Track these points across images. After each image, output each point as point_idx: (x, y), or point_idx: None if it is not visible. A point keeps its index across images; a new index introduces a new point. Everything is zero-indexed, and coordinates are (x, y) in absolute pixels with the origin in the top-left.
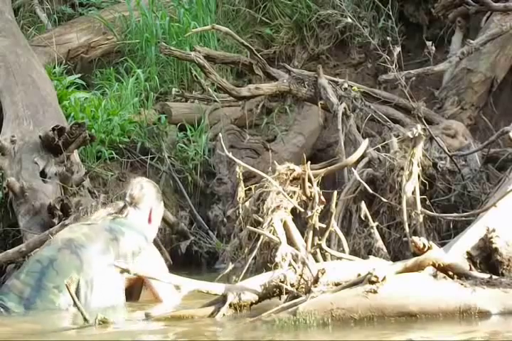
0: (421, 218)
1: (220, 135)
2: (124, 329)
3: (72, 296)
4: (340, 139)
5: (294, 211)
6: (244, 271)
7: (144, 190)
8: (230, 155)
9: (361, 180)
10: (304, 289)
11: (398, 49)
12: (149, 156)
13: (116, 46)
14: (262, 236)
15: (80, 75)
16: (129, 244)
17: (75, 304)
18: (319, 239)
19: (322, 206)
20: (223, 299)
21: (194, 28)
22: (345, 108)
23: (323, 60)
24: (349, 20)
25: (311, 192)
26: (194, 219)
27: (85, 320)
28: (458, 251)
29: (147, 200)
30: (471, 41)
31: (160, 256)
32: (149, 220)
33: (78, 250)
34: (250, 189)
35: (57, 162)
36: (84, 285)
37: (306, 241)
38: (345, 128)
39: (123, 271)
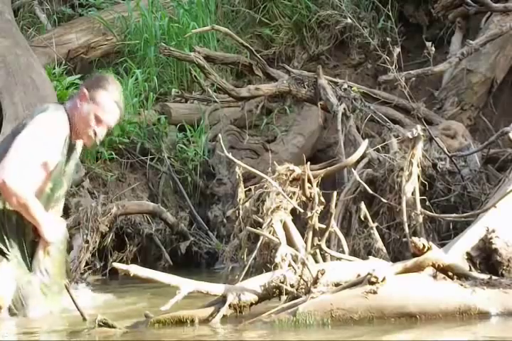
0: (421, 219)
1: (220, 135)
2: (123, 330)
3: (71, 296)
4: (339, 140)
5: (293, 211)
6: (243, 272)
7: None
8: (230, 155)
9: (361, 181)
10: (303, 290)
11: (398, 49)
12: (149, 157)
13: (116, 47)
14: (261, 237)
15: (79, 76)
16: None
17: (75, 305)
18: (319, 240)
19: (322, 206)
20: (223, 300)
21: (194, 29)
22: (344, 108)
23: (323, 61)
24: (349, 20)
25: (310, 193)
26: (194, 220)
27: (84, 320)
28: (458, 252)
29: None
30: (471, 42)
31: (41, 141)
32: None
33: None
34: (250, 189)
35: None
36: None
37: (305, 242)
38: (344, 129)
39: (123, 271)
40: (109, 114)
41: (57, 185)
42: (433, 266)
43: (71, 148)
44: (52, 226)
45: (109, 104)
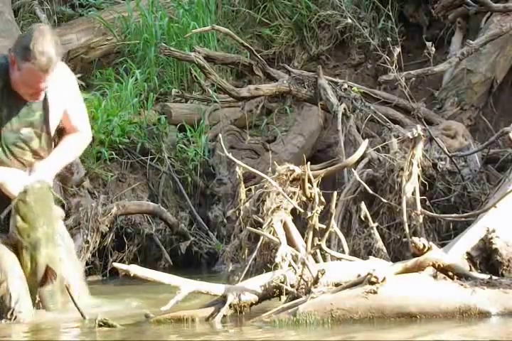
0: (421, 219)
1: (220, 136)
2: (123, 330)
3: (71, 296)
4: (340, 140)
5: (294, 211)
6: (244, 272)
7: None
8: (230, 155)
9: (361, 181)
10: (303, 290)
11: (398, 49)
12: (149, 157)
13: (116, 47)
14: (261, 237)
15: (79, 76)
16: None
17: (75, 305)
18: (319, 240)
19: (322, 207)
20: (223, 300)
21: (194, 29)
22: (345, 108)
23: (323, 61)
24: (349, 20)
25: (311, 193)
26: (194, 220)
27: (85, 320)
28: (458, 252)
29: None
30: (471, 42)
31: None
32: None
33: None
34: (250, 190)
35: None
36: None
37: (306, 242)
38: (345, 129)
39: (123, 271)
40: (37, 77)
41: (7, 134)
42: (433, 266)
43: (14, 99)
44: (7, 178)
45: (34, 72)
